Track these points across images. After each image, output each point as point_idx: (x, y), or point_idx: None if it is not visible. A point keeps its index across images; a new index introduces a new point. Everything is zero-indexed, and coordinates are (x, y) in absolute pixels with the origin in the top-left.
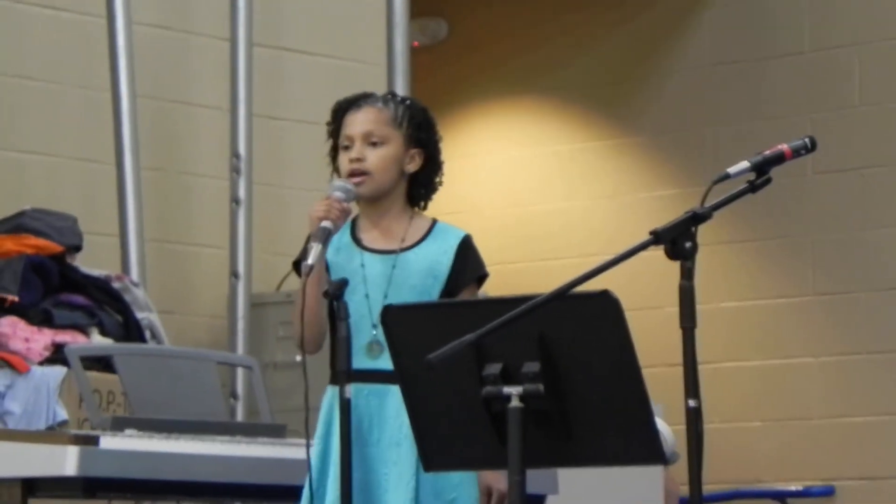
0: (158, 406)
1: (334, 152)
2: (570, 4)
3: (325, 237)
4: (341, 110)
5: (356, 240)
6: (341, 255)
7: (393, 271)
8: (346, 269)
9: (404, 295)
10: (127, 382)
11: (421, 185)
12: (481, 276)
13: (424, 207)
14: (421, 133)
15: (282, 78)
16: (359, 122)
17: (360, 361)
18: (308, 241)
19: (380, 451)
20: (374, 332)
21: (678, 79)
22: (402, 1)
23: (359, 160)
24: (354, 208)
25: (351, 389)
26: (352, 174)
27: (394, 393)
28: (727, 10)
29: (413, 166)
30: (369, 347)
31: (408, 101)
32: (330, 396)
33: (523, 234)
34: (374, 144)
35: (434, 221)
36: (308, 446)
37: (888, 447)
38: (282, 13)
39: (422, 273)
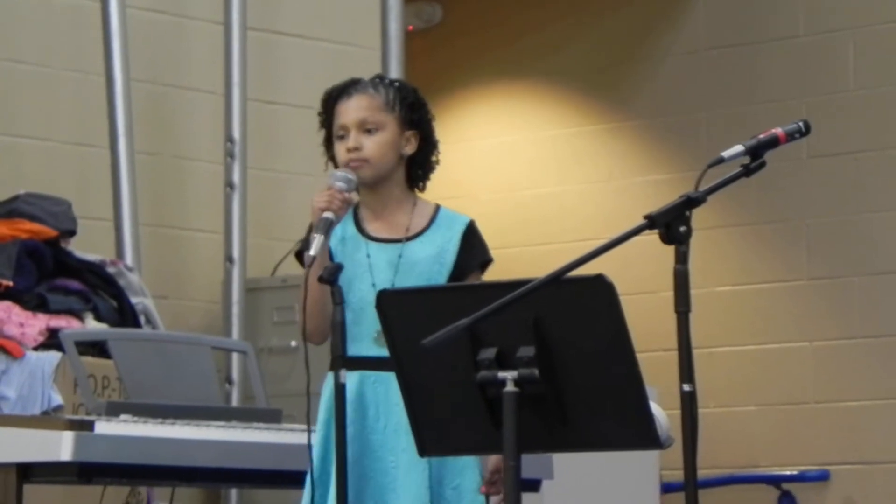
0: (153, 391)
1: (328, 142)
2: None
3: (327, 228)
4: (331, 99)
5: (360, 229)
6: (347, 245)
7: (399, 260)
8: (352, 260)
9: (411, 283)
10: (122, 367)
11: (418, 167)
12: (485, 262)
13: (423, 188)
14: (414, 114)
15: (276, 62)
16: (352, 111)
17: (367, 349)
18: (310, 231)
19: (385, 438)
20: None
21: (673, 62)
22: None
23: (356, 149)
24: (355, 197)
25: (356, 376)
26: (350, 163)
27: None
28: None
29: (410, 148)
30: (376, 336)
31: (397, 84)
32: (331, 383)
33: (517, 219)
34: (368, 132)
35: (437, 207)
36: (309, 433)
37: (883, 432)
38: None
39: (428, 261)
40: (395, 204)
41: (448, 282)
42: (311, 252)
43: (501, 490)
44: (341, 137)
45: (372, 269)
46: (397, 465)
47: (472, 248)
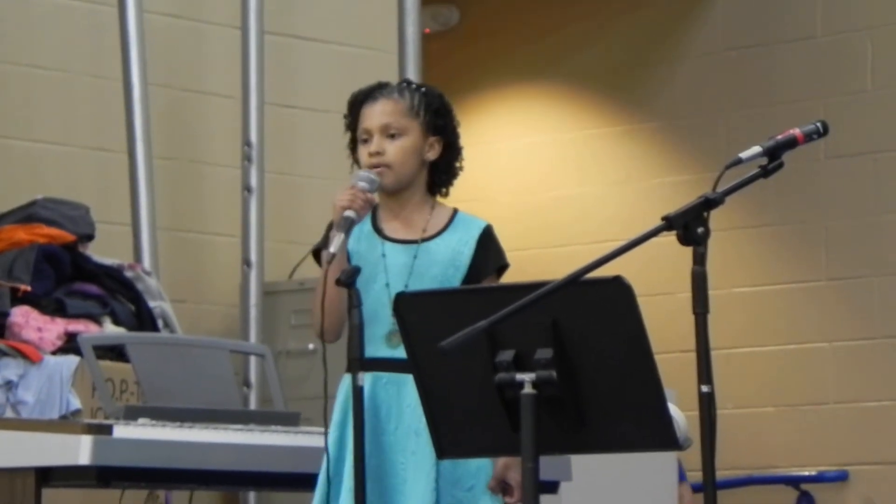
0: (171, 395)
1: (353, 145)
2: None
3: (349, 226)
4: (357, 103)
5: (377, 229)
6: (362, 244)
7: (414, 261)
8: (368, 259)
9: (425, 285)
10: (140, 371)
11: (441, 172)
12: (502, 267)
13: (446, 194)
14: (438, 120)
15: (293, 66)
16: (376, 115)
17: (379, 350)
18: (329, 228)
19: (396, 439)
20: (394, 322)
21: (690, 64)
22: None
23: (378, 153)
24: (377, 198)
25: (368, 377)
26: (372, 167)
27: (412, 382)
28: None
29: (433, 154)
30: (388, 337)
31: (423, 89)
32: (346, 384)
33: (536, 221)
34: (392, 136)
35: (455, 211)
36: (326, 434)
37: None
38: (293, 1)
39: (443, 263)
40: (414, 206)
41: (462, 285)
42: (332, 249)
43: (508, 493)
44: (365, 141)
45: (387, 269)
46: (406, 467)
47: (488, 253)
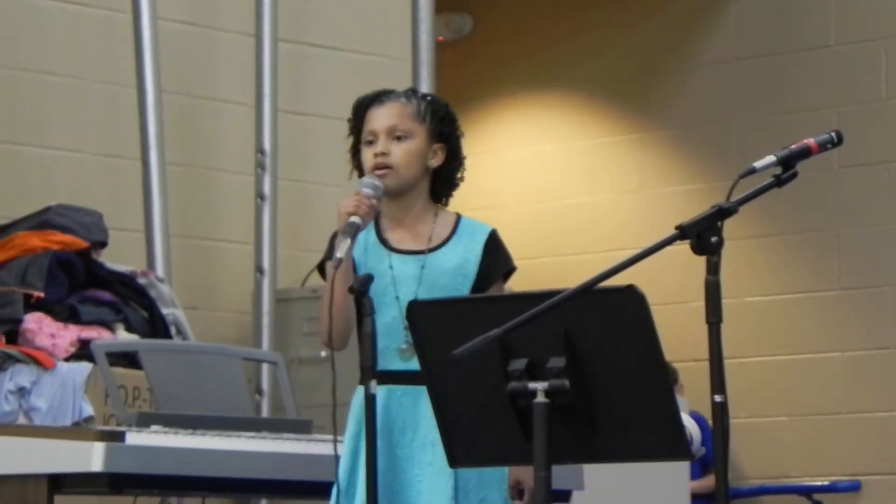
0: (184, 402)
1: (355, 149)
2: None
3: (354, 232)
4: (363, 107)
5: (382, 240)
6: (369, 255)
7: (422, 272)
8: (375, 271)
9: (435, 294)
10: (152, 378)
11: (443, 181)
12: (509, 271)
13: (446, 203)
14: (444, 128)
15: (307, 73)
16: (383, 117)
17: (393, 363)
18: (334, 238)
19: (411, 451)
20: (406, 334)
21: (704, 73)
22: None
23: (384, 154)
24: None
25: (382, 391)
26: (376, 168)
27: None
28: (753, 3)
29: (436, 161)
30: (401, 350)
31: (429, 97)
32: (360, 396)
33: (548, 229)
34: (398, 139)
35: (458, 217)
36: (336, 443)
37: None
38: (307, 8)
39: (451, 272)
40: (417, 214)
41: (471, 292)
42: (338, 254)
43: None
44: (370, 143)
45: (395, 281)
46: (422, 479)
47: (496, 258)
